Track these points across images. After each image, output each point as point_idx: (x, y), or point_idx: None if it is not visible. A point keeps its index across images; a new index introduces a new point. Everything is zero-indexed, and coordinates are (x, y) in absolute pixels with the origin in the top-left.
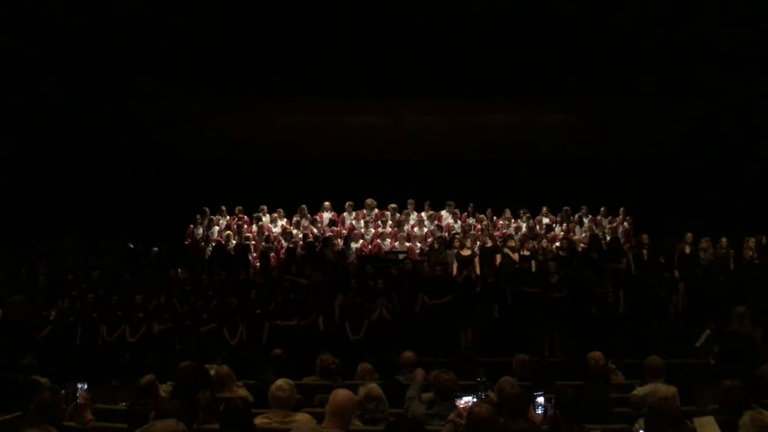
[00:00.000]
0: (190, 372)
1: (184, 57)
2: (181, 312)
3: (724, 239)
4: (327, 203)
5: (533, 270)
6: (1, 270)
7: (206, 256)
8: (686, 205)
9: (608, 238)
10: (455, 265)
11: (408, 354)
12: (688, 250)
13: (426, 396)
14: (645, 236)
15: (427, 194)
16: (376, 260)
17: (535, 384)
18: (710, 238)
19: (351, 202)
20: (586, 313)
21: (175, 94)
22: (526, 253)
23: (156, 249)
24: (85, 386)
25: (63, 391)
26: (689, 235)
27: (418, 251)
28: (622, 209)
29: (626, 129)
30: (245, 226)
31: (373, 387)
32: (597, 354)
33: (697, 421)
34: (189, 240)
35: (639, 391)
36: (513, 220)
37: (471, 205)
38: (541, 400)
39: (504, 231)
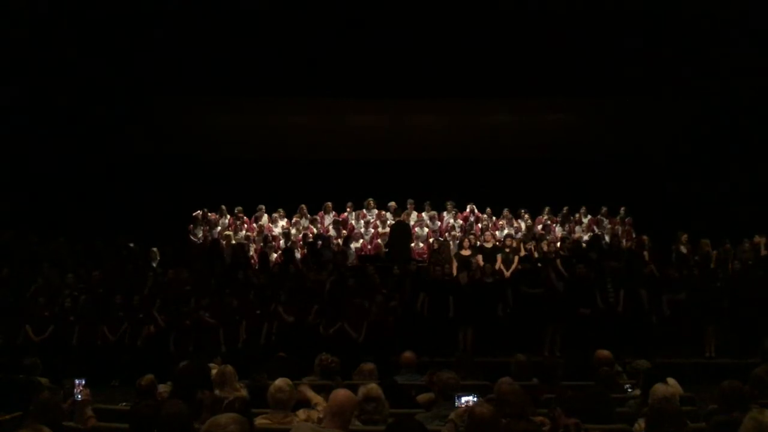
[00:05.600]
0: (190, 371)
1: (184, 57)
2: (181, 312)
3: (727, 243)
4: (328, 204)
5: (533, 270)
6: (2, 270)
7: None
8: (686, 205)
9: (608, 238)
10: (455, 265)
11: (408, 354)
12: (684, 250)
13: (426, 396)
14: (645, 237)
15: (427, 194)
16: (377, 260)
17: (541, 384)
18: (710, 238)
19: (351, 203)
20: (584, 313)
21: (176, 93)
22: (526, 253)
23: (156, 249)
24: (83, 382)
25: (61, 391)
26: (684, 235)
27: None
28: (622, 209)
29: (626, 129)
30: (245, 225)
31: (373, 388)
32: (605, 353)
33: None
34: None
35: (638, 391)
36: (514, 220)
37: (472, 205)
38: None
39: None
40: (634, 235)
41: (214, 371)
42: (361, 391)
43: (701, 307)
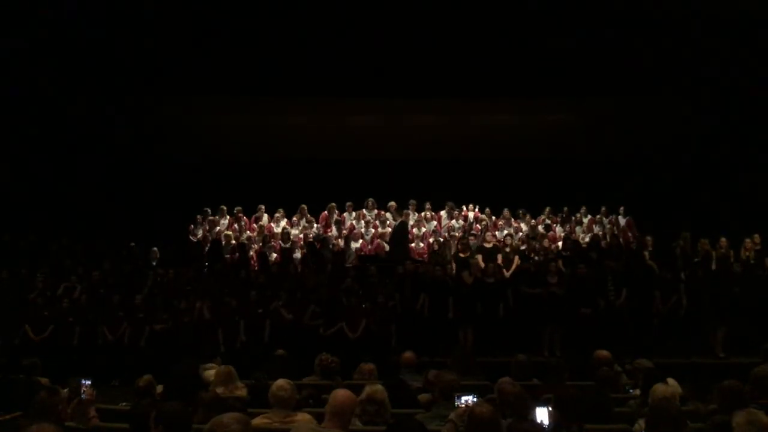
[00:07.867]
0: (183, 373)
1: (184, 57)
2: (181, 312)
3: (723, 239)
4: (332, 205)
5: (533, 270)
6: (2, 270)
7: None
8: (686, 205)
9: (608, 237)
10: (454, 266)
11: (408, 354)
12: (687, 249)
13: (426, 396)
14: (647, 237)
15: (427, 194)
16: (376, 260)
17: (544, 383)
18: (709, 238)
19: (351, 203)
20: (585, 313)
21: (176, 94)
22: (527, 253)
23: (156, 249)
24: (89, 382)
25: (66, 389)
26: (687, 234)
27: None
28: (621, 209)
29: (626, 129)
30: (246, 225)
31: (378, 390)
32: (604, 353)
33: None
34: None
35: (638, 391)
36: (513, 220)
37: (471, 205)
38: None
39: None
40: (630, 234)
41: (212, 371)
42: (366, 390)
43: (702, 308)
